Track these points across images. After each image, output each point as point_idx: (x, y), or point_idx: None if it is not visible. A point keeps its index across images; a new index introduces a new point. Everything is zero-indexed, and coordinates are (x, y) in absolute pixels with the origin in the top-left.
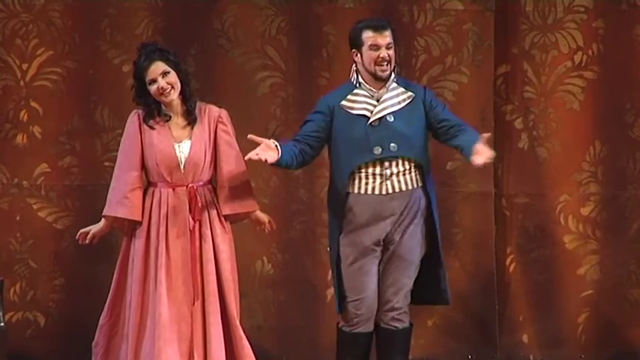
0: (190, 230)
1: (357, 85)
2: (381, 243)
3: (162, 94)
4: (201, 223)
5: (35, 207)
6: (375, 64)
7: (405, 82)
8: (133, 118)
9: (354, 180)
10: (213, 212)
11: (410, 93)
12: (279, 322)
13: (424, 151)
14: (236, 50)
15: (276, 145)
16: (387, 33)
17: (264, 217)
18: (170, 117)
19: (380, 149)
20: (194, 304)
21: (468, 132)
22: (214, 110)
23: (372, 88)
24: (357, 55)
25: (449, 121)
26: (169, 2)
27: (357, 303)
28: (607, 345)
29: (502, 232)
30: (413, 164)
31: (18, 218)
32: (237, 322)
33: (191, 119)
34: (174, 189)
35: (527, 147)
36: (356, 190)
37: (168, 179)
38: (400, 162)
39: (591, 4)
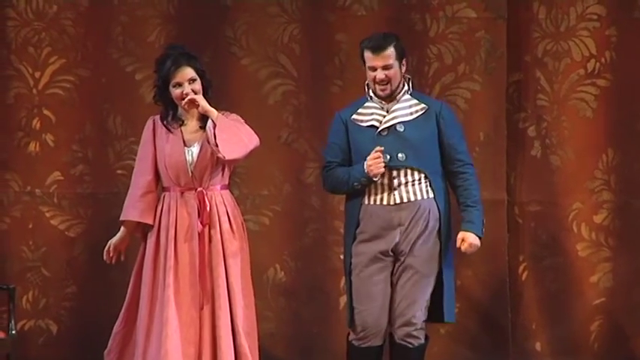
0: (199, 234)
1: (369, 98)
2: (391, 253)
3: (184, 99)
4: (210, 227)
5: (48, 215)
6: (374, 83)
7: (419, 95)
8: (148, 124)
9: (364, 191)
10: (224, 217)
11: (423, 105)
12: (291, 330)
13: (435, 162)
14: (248, 58)
15: None
16: (387, 53)
17: None
18: (183, 121)
19: (388, 157)
20: (202, 308)
21: (465, 190)
22: (225, 115)
23: (382, 101)
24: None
25: (460, 162)
26: (182, 10)
27: (364, 314)
28: (620, 353)
29: (515, 240)
30: (422, 175)
31: (30, 226)
32: (240, 329)
33: (203, 124)
34: (183, 193)
35: (540, 155)
36: (366, 201)
37: (178, 183)
38: (409, 172)
39: (604, 12)
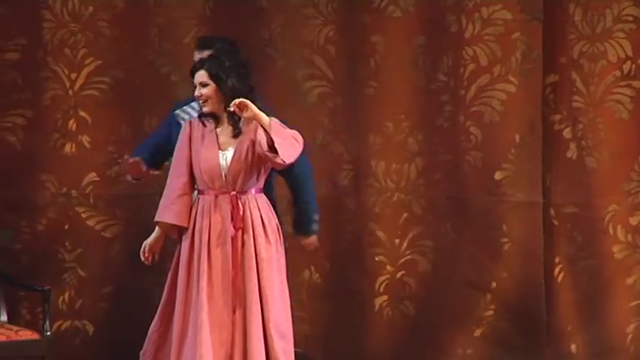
0: (232, 238)
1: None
2: None
3: (202, 99)
4: (243, 231)
5: (84, 216)
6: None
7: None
8: (185, 126)
9: None
10: (257, 221)
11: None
12: (326, 332)
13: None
14: (284, 59)
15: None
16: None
17: None
18: (217, 124)
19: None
20: (235, 311)
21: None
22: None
23: None
24: None
25: None
26: (217, 11)
27: None
28: None
29: (550, 242)
30: None
31: (67, 227)
32: (272, 333)
33: (236, 132)
34: (217, 196)
35: (575, 157)
36: None
37: (212, 187)
38: None
39: None
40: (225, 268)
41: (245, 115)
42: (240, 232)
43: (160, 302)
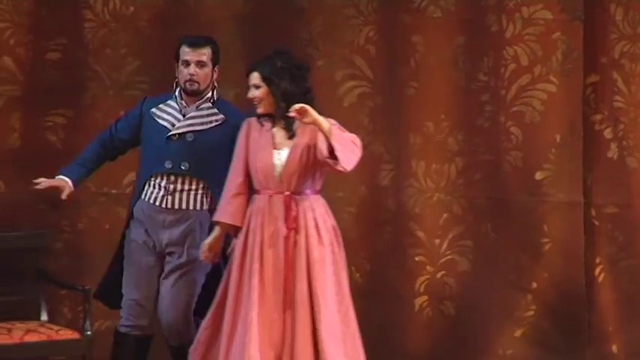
0: (285, 238)
1: (174, 97)
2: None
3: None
4: (296, 231)
5: (124, 215)
6: (184, 80)
7: (224, 105)
8: (243, 126)
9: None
10: (311, 222)
11: (222, 116)
12: (365, 332)
13: (220, 173)
14: (324, 59)
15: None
16: (204, 51)
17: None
18: (273, 123)
19: (171, 164)
20: (285, 312)
21: None
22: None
23: (182, 102)
24: (177, 68)
25: None
26: (257, 12)
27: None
28: None
29: (591, 242)
30: (202, 185)
31: (107, 227)
32: (322, 335)
33: (290, 134)
34: (271, 196)
35: (616, 157)
36: (143, 196)
37: (267, 186)
38: (187, 180)
39: None
40: (277, 267)
41: (305, 120)
42: (292, 232)
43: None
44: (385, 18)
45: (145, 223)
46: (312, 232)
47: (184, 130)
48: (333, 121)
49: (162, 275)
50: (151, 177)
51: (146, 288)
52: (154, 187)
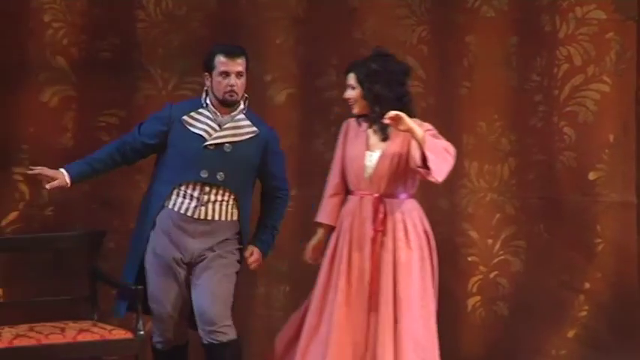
0: (372, 240)
1: (205, 105)
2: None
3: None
4: (384, 234)
5: None
6: (224, 90)
7: (253, 117)
8: (342, 127)
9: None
10: (400, 225)
11: (255, 129)
12: None
13: (249, 185)
14: None
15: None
16: (240, 61)
17: None
18: (369, 124)
19: (207, 174)
20: (369, 314)
21: (275, 212)
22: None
23: (216, 112)
24: (208, 78)
25: (276, 178)
26: (310, 12)
27: None
28: None
29: None
30: (233, 197)
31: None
32: (404, 340)
33: (383, 137)
34: (362, 198)
35: None
36: (170, 205)
37: (358, 187)
38: (221, 191)
39: None
40: (363, 269)
41: (400, 128)
42: (379, 234)
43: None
44: (438, 18)
45: (170, 234)
46: (400, 235)
47: (222, 140)
48: (428, 125)
49: (195, 276)
50: (180, 185)
51: (177, 300)
52: (184, 197)
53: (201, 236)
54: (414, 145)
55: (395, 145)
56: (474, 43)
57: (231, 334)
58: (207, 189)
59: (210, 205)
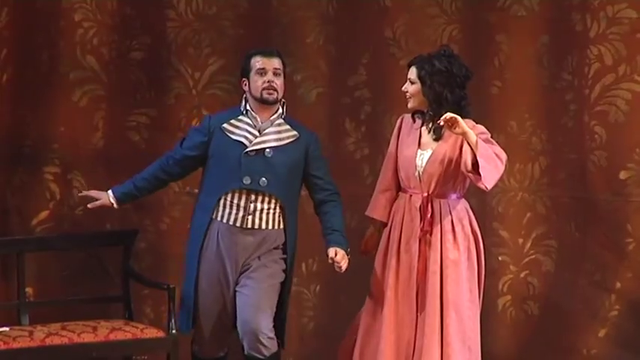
0: (420, 239)
1: (244, 112)
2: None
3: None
4: (431, 233)
5: None
6: (262, 88)
7: (292, 122)
8: (397, 122)
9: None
10: (447, 225)
11: (295, 132)
12: None
13: (293, 191)
14: (407, 59)
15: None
16: (277, 60)
17: None
18: (423, 122)
19: (249, 180)
20: (417, 312)
21: (333, 217)
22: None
23: (256, 118)
24: (245, 83)
25: (322, 181)
26: (341, 11)
27: None
28: None
29: None
30: (279, 203)
31: (189, 226)
32: (450, 340)
33: (435, 137)
34: (411, 196)
35: None
36: (218, 218)
37: (408, 185)
38: (267, 199)
39: None
40: (410, 267)
41: (454, 131)
42: (427, 234)
43: None
44: (469, 17)
45: (219, 246)
46: (449, 236)
47: (263, 145)
48: (481, 128)
49: (240, 285)
50: (226, 195)
51: (223, 313)
52: (231, 207)
53: (249, 246)
54: (466, 148)
55: (447, 145)
56: (504, 42)
57: (272, 348)
58: (252, 197)
59: (257, 214)
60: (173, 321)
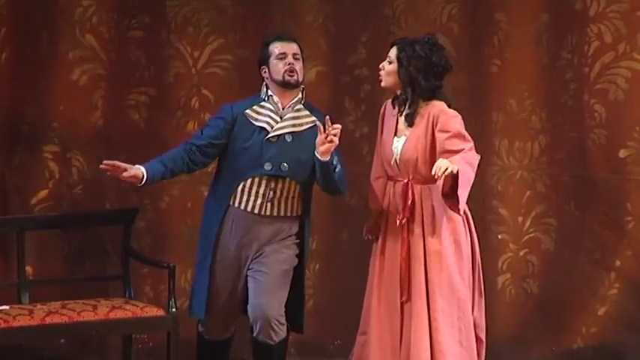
0: (401, 226)
1: (266, 99)
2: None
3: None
4: (412, 221)
5: (206, 194)
6: (283, 70)
7: (311, 107)
8: (381, 109)
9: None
10: (427, 212)
11: (313, 118)
12: None
13: (309, 176)
14: None
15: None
16: (296, 45)
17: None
18: (400, 109)
19: (271, 166)
20: (402, 300)
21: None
22: (436, 108)
23: (277, 104)
24: (265, 70)
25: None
26: None
27: None
28: None
29: None
30: (298, 190)
31: (189, 205)
32: (438, 325)
33: (409, 123)
34: (395, 183)
35: None
36: (236, 205)
37: (390, 172)
38: (287, 184)
39: None
40: (395, 255)
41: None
42: (408, 220)
43: None
44: None
45: (238, 232)
46: (429, 222)
47: (284, 131)
48: (454, 124)
49: (252, 270)
50: (246, 181)
51: (236, 297)
52: (250, 195)
53: (265, 233)
54: (442, 180)
55: (418, 130)
56: (504, 21)
57: (282, 333)
58: (272, 184)
59: (276, 202)
60: (173, 300)
